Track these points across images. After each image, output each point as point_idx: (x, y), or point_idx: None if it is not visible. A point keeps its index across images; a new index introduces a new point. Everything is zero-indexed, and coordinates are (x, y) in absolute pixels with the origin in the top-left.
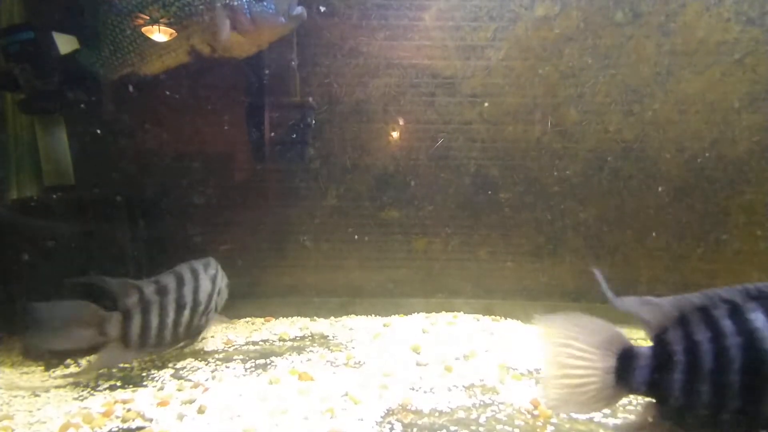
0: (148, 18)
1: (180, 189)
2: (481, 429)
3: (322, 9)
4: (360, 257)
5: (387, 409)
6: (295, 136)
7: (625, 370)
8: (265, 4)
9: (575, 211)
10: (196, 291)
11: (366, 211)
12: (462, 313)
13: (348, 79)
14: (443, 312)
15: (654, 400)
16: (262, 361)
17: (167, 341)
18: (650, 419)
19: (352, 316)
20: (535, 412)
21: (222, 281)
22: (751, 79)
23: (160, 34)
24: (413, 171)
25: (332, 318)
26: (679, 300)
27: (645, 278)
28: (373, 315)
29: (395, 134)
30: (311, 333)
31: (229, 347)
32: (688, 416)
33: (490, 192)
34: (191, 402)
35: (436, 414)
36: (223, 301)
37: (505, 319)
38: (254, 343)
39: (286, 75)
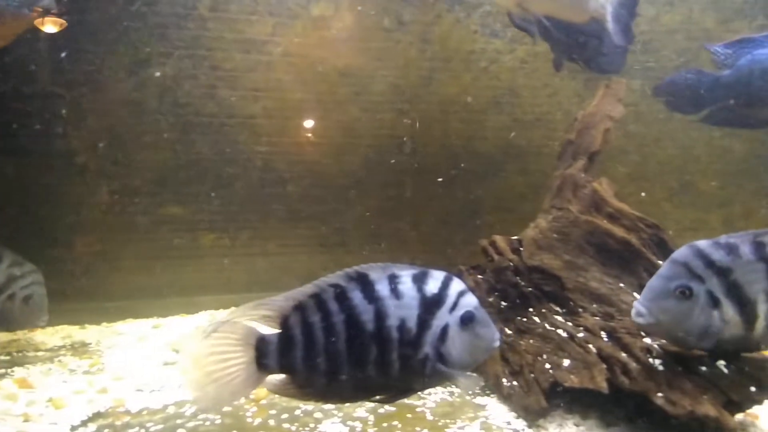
0: None
1: None
2: (179, 421)
3: None
4: (140, 257)
5: (94, 412)
6: (38, 126)
7: (262, 356)
8: None
9: (359, 202)
10: None
11: (144, 208)
12: None
13: (118, 67)
14: (232, 307)
15: (288, 375)
16: None
17: None
18: (288, 387)
19: (129, 320)
20: (252, 396)
21: None
22: (495, 85)
23: None
24: (195, 165)
25: (105, 324)
26: (292, 293)
27: (420, 262)
28: (155, 317)
29: (173, 127)
30: (72, 342)
31: None
32: (314, 383)
33: (278, 186)
34: None
35: (145, 413)
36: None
37: None
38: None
39: (34, 62)
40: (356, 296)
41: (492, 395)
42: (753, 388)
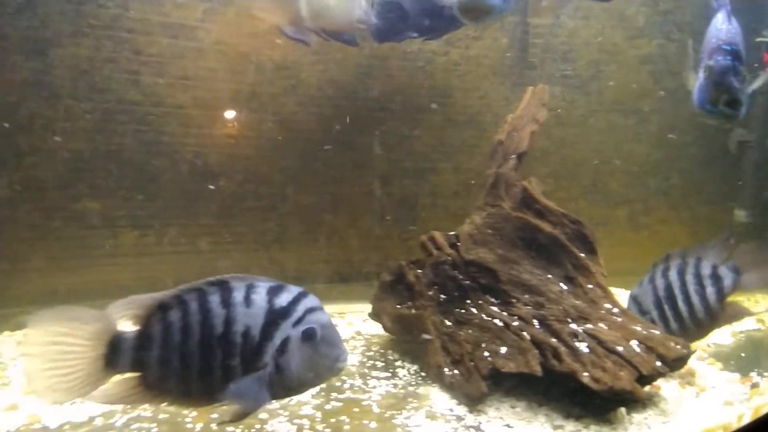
0: None
1: None
2: None
3: None
4: (48, 257)
5: (7, 430)
6: None
7: (114, 354)
8: None
9: (296, 198)
10: None
11: (54, 203)
12: None
13: (24, 46)
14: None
15: (139, 374)
16: None
17: None
18: (136, 389)
19: None
20: None
21: None
22: (430, 85)
23: None
24: (117, 156)
25: (8, 332)
26: (158, 293)
27: (358, 258)
28: None
29: (89, 114)
30: None
31: None
32: (167, 383)
33: (209, 180)
34: None
35: (67, 427)
36: None
37: None
38: None
39: None
40: (213, 300)
41: (434, 385)
42: (658, 363)
